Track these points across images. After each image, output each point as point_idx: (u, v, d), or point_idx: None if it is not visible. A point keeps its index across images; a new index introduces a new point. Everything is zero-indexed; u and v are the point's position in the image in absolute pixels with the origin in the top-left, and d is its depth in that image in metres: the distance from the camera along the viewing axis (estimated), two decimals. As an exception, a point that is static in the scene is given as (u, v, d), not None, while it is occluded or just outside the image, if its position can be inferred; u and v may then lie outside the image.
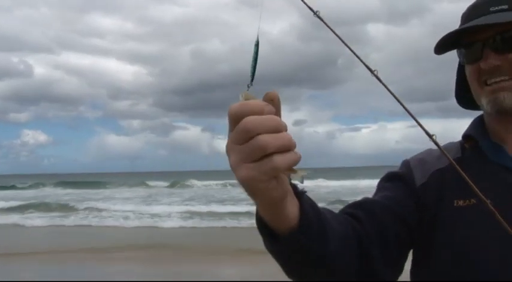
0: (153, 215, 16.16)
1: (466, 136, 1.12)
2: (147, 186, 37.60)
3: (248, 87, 0.65)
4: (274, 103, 0.61)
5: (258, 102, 0.60)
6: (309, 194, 0.81)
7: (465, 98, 1.17)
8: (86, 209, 18.69)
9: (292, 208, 0.73)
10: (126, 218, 15.70)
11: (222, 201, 20.73)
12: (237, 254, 9.09)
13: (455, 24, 1.11)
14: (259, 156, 0.59)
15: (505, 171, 1.01)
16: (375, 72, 0.87)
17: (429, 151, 1.14)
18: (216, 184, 35.46)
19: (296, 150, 0.62)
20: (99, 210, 18.20)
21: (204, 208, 17.82)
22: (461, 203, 1.00)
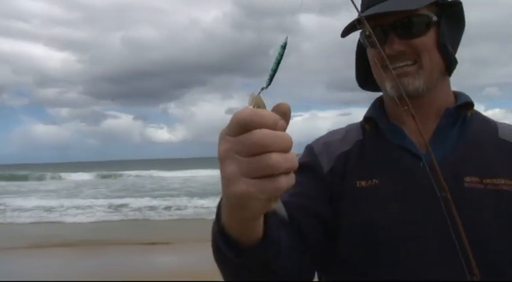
0: (67, 209, 14.83)
1: (367, 118, 1.13)
2: (72, 177, 35.84)
3: (262, 89, 0.60)
4: (286, 117, 0.56)
5: (272, 115, 0.54)
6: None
7: (365, 79, 1.19)
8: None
9: (260, 221, 0.70)
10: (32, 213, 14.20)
11: (149, 194, 19.86)
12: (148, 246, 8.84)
13: None
14: (263, 175, 0.53)
15: (402, 151, 1.03)
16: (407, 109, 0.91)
17: (332, 133, 1.16)
18: (150, 175, 34.41)
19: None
20: (9, 205, 16.41)
21: (130, 201, 16.72)
22: (363, 183, 1.02)
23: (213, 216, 0.75)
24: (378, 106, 1.15)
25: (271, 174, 0.53)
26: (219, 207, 0.72)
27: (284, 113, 0.55)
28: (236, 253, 0.72)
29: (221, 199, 0.69)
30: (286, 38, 0.64)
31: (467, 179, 0.97)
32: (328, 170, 1.07)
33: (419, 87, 1.02)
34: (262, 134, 0.52)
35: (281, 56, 0.66)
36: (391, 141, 1.05)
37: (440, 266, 0.93)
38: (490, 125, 1.07)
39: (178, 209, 14.21)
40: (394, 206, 0.97)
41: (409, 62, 1.02)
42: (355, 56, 1.19)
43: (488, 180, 0.96)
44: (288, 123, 0.57)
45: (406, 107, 0.92)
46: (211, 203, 13.99)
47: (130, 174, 34.76)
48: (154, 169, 39.21)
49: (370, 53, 1.08)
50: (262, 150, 0.52)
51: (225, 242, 0.72)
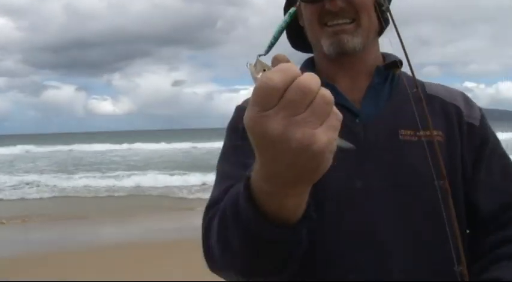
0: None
1: None
2: (4, 151, 33.77)
3: (258, 56, 0.58)
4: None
5: (291, 65, 0.53)
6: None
7: (296, 39, 1.18)
8: None
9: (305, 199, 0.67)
10: None
11: (86, 168, 18.95)
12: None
13: None
14: (328, 114, 0.53)
15: (339, 109, 0.98)
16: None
17: None
18: (91, 149, 32.97)
19: None
20: None
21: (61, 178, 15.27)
22: None
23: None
24: (309, 66, 1.15)
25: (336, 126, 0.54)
26: (247, 188, 0.67)
27: (287, 62, 0.55)
28: (272, 229, 0.67)
29: (250, 181, 0.66)
30: (297, 4, 0.62)
31: (402, 132, 1.00)
32: None
33: (357, 45, 1.03)
34: (305, 81, 0.52)
35: (286, 23, 0.65)
36: None
37: (383, 218, 0.96)
38: (417, 82, 1.10)
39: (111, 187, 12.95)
40: (334, 168, 0.96)
41: (348, 20, 1.03)
42: (283, 12, 1.17)
43: (421, 133, 1.00)
44: None
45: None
46: (151, 180, 13.23)
47: (72, 149, 33.19)
48: (96, 142, 37.72)
49: (307, 9, 1.06)
50: (312, 95, 0.52)
51: (260, 217, 0.67)
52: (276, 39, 0.62)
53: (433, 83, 1.14)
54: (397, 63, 1.10)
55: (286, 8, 1.18)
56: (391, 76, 1.10)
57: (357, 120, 1.02)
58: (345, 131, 0.94)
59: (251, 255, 0.76)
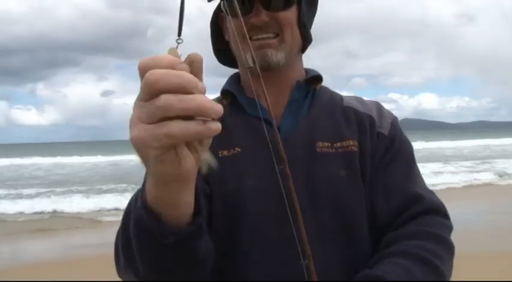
0: None
1: (224, 91, 1.14)
2: None
3: (177, 43, 0.56)
4: (194, 65, 0.53)
5: (170, 57, 0.51)
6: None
7: (221, 53, 1.19)
8: None
9: (189, 198, 0.66)
10: None
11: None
12: None
13: None
14: (158, 118, 0.50)
15: (260, 123, 1.02)
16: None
17: None
18: (10, 163, 30.40)
19: (213, 123, 0.53)
20: None
21: None
22: (225, 153, 1.04)
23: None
24: (234, 81, 1.17)
25: (164, 118, 0.50)
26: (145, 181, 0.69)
27: (192, 61, 0.53)
28: (170, 231, 0.67)
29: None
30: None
31: (320, 144, 1.04)
32: None
33: (281, 60, 1.05)
34: (151, 72, 0.49)
35: (181, 5, 0.61)
36: (249, 113, 1.09)
37: (281, 242, 0.96)
38: (336, 96, 1.15)
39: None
40: (252, 176, 1.01)
41: (271, 35, 1.05)
42: (209, 27, 1.19)
43: (338, 144, 1.04)
44: (199, 73, 0.53)
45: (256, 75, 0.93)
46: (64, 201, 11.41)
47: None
48: (17, 156, 35.05)
49: (231, 22, 1.05)
50: (153, 89, 0.49)
51: (152, 219, 0.66)
52: (180, 22, 0.59)
53: (351, 96, 1.18)
54: (318, 78, 1.14)
55: (212, 23, 1.18)
56: (312, 91, 1.13)
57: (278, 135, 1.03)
58: (263, 141, 1.00)
59: (150, 260, 0.74)
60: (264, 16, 1.03)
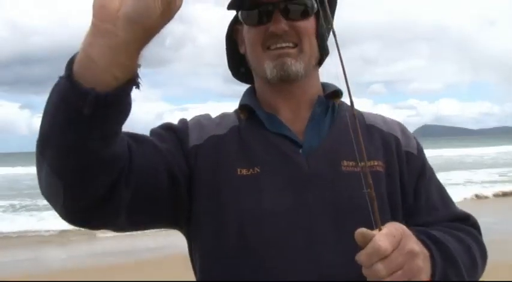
0: None
1: (242, 106, 1.11)
2: None
3: None
4: None
5: None
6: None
7: (237, 69, 1.19)
8: None
9: (130, 60, 0.70)
10: None
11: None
12: None
13: None
14: None
15: (280, 138, 1.04)
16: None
17: (208, 116, 1.13)
18: (27, 173, 30.15)
19: None
20: None
21: None
22: (244, 171, 1.00)
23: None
24: (251, 95, 1.14)
25: None
26: (71, 59, 0.71)
27: None
28: (96, 95, 0.69)
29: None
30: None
31: (345, 163, 1.00)
32: (193, 145, 1.03)
33: (300, 70, 1.03)
34: None
35: None
36: (269, 129, 1.05)
37: (307, 261, 0.94)
38: (356, 112, 1.08)
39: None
40: (273, 197, 0.97)
41: (291, 44, 1.03)
42: (225, 42, 1.18)
43: (362, 164, 0.98)
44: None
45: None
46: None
47: (7, 172, 29.52)
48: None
49: (251, 32, 1.06)
50: None
51: (77, 90, 0.69)
52: None
53: (372, 113, 1.15)
54: (338, 93, 1.11)
55: (228, 36, 1.17)
56: (331, 106, 1.10)
57: (300, 151, 1.02)
58: (289, 161, 1.01)
59: (70, 128, 0.73)
60: (283, 25, 1.02)
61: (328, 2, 1.05)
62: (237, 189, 0.98)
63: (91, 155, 0.75)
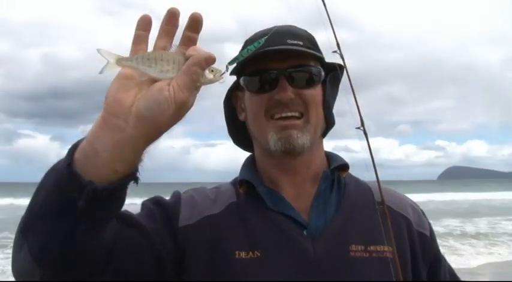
0: None
1: (242, 181, 1.03)
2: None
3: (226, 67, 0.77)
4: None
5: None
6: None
7: (237, 136, 1.11)
8: None
9: (133, 156, 0.72)
10: None
11: None
12: None
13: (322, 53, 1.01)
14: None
15: (285, 219, 0.96)
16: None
17: (203, 190, 1.05)
18: None
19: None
20: None
21: None
22: (243, 254, 0.93)
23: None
24: (251, 168, 1.06)
25: None
26: (73, 148, 0.71)
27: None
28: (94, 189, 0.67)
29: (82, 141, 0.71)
30: (265, 39, 0.79)
31: (353, 247, 0.94)
32: (184, 225, 0.96)
33: (306, 143, 0.97)
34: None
35: (255, 48, 0.76)
36: (271, 208, 0.98)
37: None
38: (364, 188, 1.06)
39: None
40: (288, 277, 0.91)
41: (296, 113, 0.97)
42: (223, 107, 1.10)
43: (372, 248, 0.94)
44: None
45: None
46: None
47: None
48: None
49: (253, 99, 1.00)
50: None
51: (75, 181, 0.68)
52: (242, 57, 0.77)
53: (382, 188, 1.05)
54: (344, 167, 1.03)
55: (226, 101, 1.10)
56: (337, 180, 1.02)
57: (305, 233, 0.95)
58: (293, 245, 0.92)
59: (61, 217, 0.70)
60: (289, 92, 0.96)
61: (333, 76, 1.02)
62: (236, 274, 0.91)
63: (76, 244, 0.72)
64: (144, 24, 0.73)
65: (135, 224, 0.89)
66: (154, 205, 0.99)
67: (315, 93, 0.99)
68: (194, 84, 0.69)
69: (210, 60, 0.69)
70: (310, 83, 0.98)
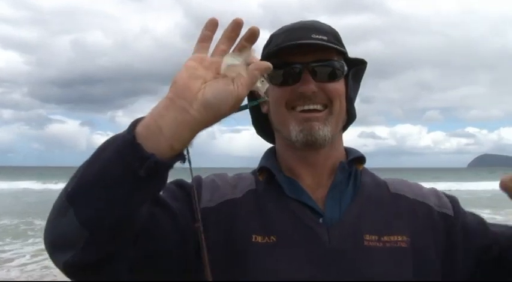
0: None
1: (262, 168, 1.07)
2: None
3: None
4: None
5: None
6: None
7: (261, 127, 1.16)
8: None
9: (190, 134, 0.79)
10: None
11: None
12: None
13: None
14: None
15: (301, 206, 0.99)
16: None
17: (223, 176, 1.09)
18: None
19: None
20: None
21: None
22: (259, 239, 0.96)
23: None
24: (271, 157, 1.10)
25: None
26: (134, 123, 0.78)
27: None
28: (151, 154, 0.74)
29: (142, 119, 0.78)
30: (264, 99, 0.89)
31: (367, 237, 0.96)
32: (204, 207, 0.99)
33: (327, 135, 1.00)
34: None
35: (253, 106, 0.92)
36: (289, 195, 1.01)
37: None
38: (380, 181, 1.08)
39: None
40: (289, 268, 0.93)
41: (319, 106, 1.00)
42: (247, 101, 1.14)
43: (385, 238, 0.96)
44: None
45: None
46: None
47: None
48: None
49: (276, 92, 1.03)
50: None
51: (138, 152, 0.74)
52: (246, 107, 0.87)
53: (396, 180, 1.10)
54: (361, 160, 1.08)
55: (250, 95, 1.10)
56: (354, 173, 1.06)
57: (321, 221, 0.97)
58: (308, 232, 0.96)
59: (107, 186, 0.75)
60: (313, 85, 0.99)
61: (355, 72, 1.07)
62: (250, 257, 0.94)
63: (129, 213, 0.78)
64: (212, 25, 0.81)
65: (162, 203, 0.93)
66: (176, 187, 1.02)
67: (338, 86, 1.02)
68: (252, 86, 0.80)
69: (268, 69, 0.80)
70: (333, 76, 1.01)
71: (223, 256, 0.95)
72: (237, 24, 0.80)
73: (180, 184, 1.03)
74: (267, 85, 0.84)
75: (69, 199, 0.77)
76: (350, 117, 1.09)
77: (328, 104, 1.01)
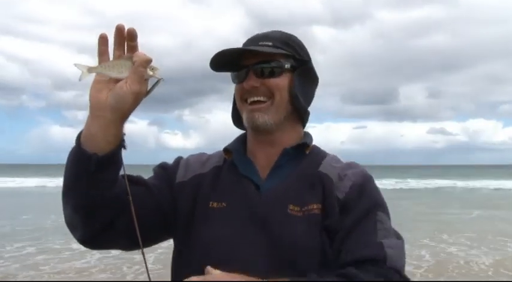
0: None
1: (225, 149, 1.33)
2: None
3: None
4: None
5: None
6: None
7: (236, 119, 1.37)
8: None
9: (118, 131, 1.06)
10: None
11: None
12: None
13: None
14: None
15: (248, 182, 1.25)
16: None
17: (200, 155, 1.40)
18: None
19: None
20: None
21: None
22: (215, 205, 1.24)
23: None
24: (240, 140, 1.36)
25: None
26: (78, 136, 1.06)
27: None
28: (98, 159, 1.02)
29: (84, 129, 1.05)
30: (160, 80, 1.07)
31: (291, 207, 1.19)
32: (179, 181, 1.29)
33: (268, 122, 1.23)
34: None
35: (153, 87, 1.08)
36: (242, 172, 1.27)
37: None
38: (317, 161, 1.28)
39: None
40: (231, 227, 1.18)
41: (263, 98, 1.24)
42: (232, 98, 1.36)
43: (305, 208, 1.18)
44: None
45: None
46: None
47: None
48: None
49: (235, 88, 1.30)
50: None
51: (85, 154, 1.03)
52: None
53: (332, 159, 1.30)
54: (303, 146, 1.29)
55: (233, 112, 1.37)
56: (299, 156, 1.28)
57: (259, 192, 1.22)
58: (247, 200, 1.23)
59: (76, 183, 1.07)
60: (253, 81, 1.23)
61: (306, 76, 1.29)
62: (206, 219, 1.23)
63: (98, 196, 1.07)
64: (103, 40, 1.04)
65: (142, 183, 1.23)
66: (159, 168, 1.34)
67: (279, 82, 1.24)
68: (142, 79, 1.02)
69: (149, 62, 1.02)
70: (272, 74, 1.24)
71: (189, 218, 1.24)
72: (118, 30, 1.03)
73: (161, 166, 1.35)
74: (158, 69, 1.04)
75: (63, 196, 1.11)
76: (299, 110, 1.28)
77: (271, 96, 1.24)
